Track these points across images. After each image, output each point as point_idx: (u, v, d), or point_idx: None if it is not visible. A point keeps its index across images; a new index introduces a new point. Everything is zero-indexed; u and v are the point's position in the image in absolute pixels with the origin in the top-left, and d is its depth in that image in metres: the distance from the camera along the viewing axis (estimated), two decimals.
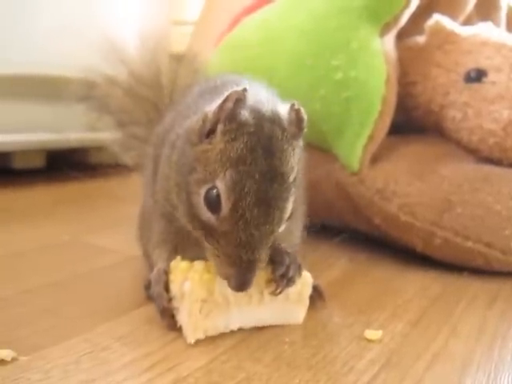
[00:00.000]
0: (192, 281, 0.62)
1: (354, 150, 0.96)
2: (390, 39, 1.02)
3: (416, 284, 0.88)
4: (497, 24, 1.22)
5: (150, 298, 0.74)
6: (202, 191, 0.59)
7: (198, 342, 0.63)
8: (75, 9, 1.52)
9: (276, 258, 0.66)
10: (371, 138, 0.95)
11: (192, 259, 0.66)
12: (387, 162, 0.98)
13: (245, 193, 0.56)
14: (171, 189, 0.65)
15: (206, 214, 0.59)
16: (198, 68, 1.07)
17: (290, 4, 1.09)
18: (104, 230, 1.07)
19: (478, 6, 1.24)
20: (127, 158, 1.05)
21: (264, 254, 0.59)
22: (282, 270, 0.65)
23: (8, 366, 0.55)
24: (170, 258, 0.68)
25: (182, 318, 0.64)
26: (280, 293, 0.65)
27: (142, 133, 1.02)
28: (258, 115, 0.60)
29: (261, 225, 0.57)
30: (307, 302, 0.70)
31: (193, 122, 0.65)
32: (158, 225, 0.72)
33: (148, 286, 0.75)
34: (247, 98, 0.59)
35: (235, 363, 0.59)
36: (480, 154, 1.00)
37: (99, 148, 1.55)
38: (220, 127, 0.59)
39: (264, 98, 0.64)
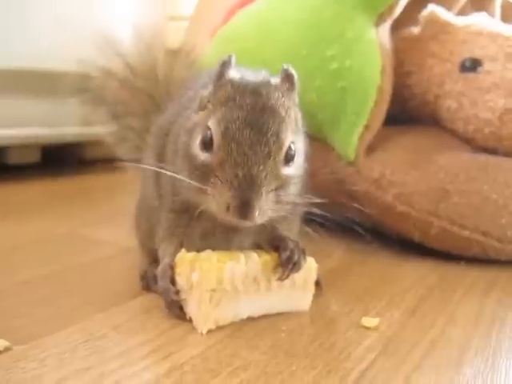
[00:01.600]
0: (200, 270, 0.62)
1: (349, 140, 0.95)
2: (384, 29, 1.02)
3: (413, 273, 0.87)
4: (491, 16, 1.21)
5: (145, 288, 0.74)
6: (198, 140, 0.60)
7: (193, 330, 0.63)
8: (71, 3, 1.51)
9: (280, 244, 0.67)
10: (367, 127, 0.95)
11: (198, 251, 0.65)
12: (383, 152, 0.98)
13: (233, 119, 0.58)
14: (178, 166, 0.64)
15: (201, 156, 0.60)
16: (194, 61, 1.07)
17: None
18: (99, 223, 1.07)
19: None
20: (122, 150, 1.05)
21: (265, 174, 0.57)
22: (286, 254, 0.65)
23: (2, 356, 0.55)
24: (176, 253, 0.67)
25: (192, 309, 0.64)
26: (287, 277, 0.65)
27: (138, 124, 1.01)
28: (246, 74, 0.63)
29: (254, 145, 0.57)
30: (313, 288, 0.70)
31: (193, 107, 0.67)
32: (166, 220, 0.70)
33: (144, 277, 0.76)
34: (234, 62, 0.63)
35: (232, 351, 0.59)
36: (476, 144, 1.00)
37: (94, 143, 1.55)
38: (211, 89, 0.63)
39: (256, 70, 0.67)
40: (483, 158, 0.96)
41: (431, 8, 1.07)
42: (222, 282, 0.62)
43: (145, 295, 0.73)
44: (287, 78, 0.65)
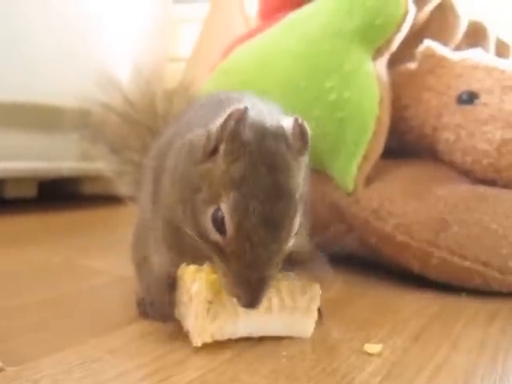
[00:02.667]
0: (200, 281, 0.61)
1: (348, 170, 0.95)
2: (382, 63, 1.03)
3: (414, 304, 0.86)
4: (486, 52, 1.24)
5: (142, 314, 0.73)
6: (209, 212, 0.58)
7: (192, 355, 0.61)
8: (72, 39, 1.53)
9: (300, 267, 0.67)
10: (365, 157, 0.95)
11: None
12: (382, 183, 0.98)
13: (248, 214, 0.56)
14: (175, 205, 0.64)
15: (214, 235, 0.58)
16: (192, 95, 1.08)
17: (283, 30, 1.11)
18: (96, 253, 1.06)
19: (467, 36, 1.26)
20: (121, 184, 1.05)
21: (273, 272, 0.58)
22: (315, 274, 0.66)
23: None
24: (171, 263, 0.66)
25: (189, 322, 0.63)
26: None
27: (137, 158, 1.02)
28: (261, 133, 0.59)
29: (268, 244, 0.57)
30: (315, 314, 0.68)
31: (195, 137, 0.64)
32: (161, 233, 0.69)
33: (141, 303, 0.74)
34: (249, 116, 0.59)
35: (232, 375, 0.57)
36: (474, 175, 1.01)
37: (92, 178, 1.55)
38: (222, 147, 0.59)
39: (266, 114, 0.63)
40: (482, 189, 0.96)
41: (427, 43, 1.08)
42: (220, 295, 0.61)
43: (141, 321, 0.71)
44: (301, 133, 0.61)
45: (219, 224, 0.57)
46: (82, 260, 1.00)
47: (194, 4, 2.20)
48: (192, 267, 0.64)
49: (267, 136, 0.59)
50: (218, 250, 0.59)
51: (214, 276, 0.61)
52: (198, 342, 0.61)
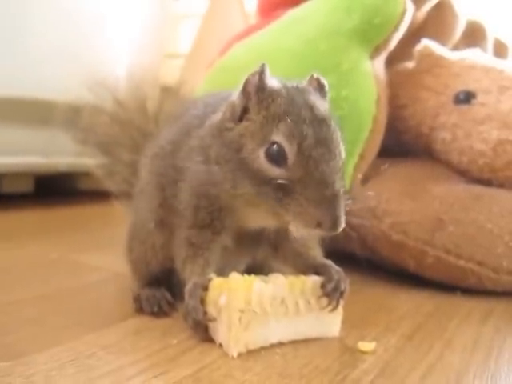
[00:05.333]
0: (228, 292, 0.61)
1: (345, 169, 0.95)
2: (380, 62, 1.03)
3: (408, 303, 0.86)
4: (484, 52, 1.24)
5: (138, 310, 0.73)
6: (261, 153, 0.60)
7: (186, 352, 0.61)
8: (70, 36, 1.53)
9: (323, 272, 0.68)
10: (362, 156, 0.95)
11: (225, 269, 0.65)
12: (378, 182, 0.98)
13: (304, 136, 0.58)
14: (223, 181, 0.64)
15: (274, 171, 0.59)
16: (184, 95, 1.08)
17: (281, 28, 1.11)
18: (91, 249, 1.06)
19: (465, 36, 1.27)
20: (111, 183, 1.04)
21: (341, 188, 0.60)
22: (332, 285, 0.66)
23: None
24: (204, 272, 0.66)
25: (221, 334, 0.62)
26: (336, 307, 0.67)
27: (128, 158, 1.02)
28: (283, 82, 0.64)
29: (328, 160, 0.59)
30: (341, 310, 0.69)
31: (216, 117, 0.67)
32: (187, 237, 0.69)
33: (137, 299, 0.74)
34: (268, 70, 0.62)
35: (225, 371, 0.57)
36: (470, 175, 1.01)
37: (88, 174, 1.54)
38: (253, 101, 0.62)
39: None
40: (478, 188, 0.96)
41: (425, 42, 1.09)
42: (251, 303, 0.61)
43: (136, 317, 0.71)
44: (320, 87, 0.67)
45: (277, 155, 0.59)
46: (78, 256, 1.00)
47: (192, 0, 2.20)
48: (217, 280, 0.64)
49: (291, 87, 0.64)
50: (278, 187, 0.59)
51: (242, 285, 0.61)
52: (233, 352, 0.61)
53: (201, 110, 0.75)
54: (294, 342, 0.66)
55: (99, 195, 1.11)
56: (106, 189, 1.05)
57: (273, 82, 0.62)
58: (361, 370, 0.60)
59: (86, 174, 1.57)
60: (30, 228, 1.27)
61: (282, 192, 0.58)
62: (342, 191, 0.59)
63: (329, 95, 0.67)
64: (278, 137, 0.59)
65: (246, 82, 0.62)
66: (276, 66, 1.04)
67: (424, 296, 0.90)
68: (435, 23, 1.17)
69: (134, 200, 0.85)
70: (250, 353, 0.62)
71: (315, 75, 0.66)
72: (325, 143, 0.59)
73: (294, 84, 0.65)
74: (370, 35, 0.98)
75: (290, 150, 0.58)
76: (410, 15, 1.00)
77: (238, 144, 0.62)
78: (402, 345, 0.68)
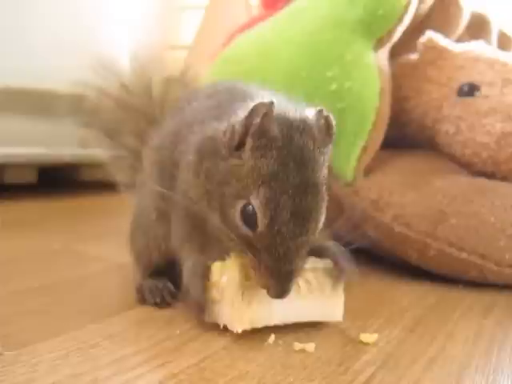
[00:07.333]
0: (229, 271, 0.62)
1: (348, 161, 0.95)
2: (383, 54, 1.03)
3: (411, 295, 0.86)
4: (488, 44, 1.23)
5: (141, 300, 0.73)
6: (238, 206, 0.59)
7: (189, 342, 0.61)
8: (72, 25, 1.52)
9: (325, 254, 0.69)
10: (365, 148, 0.95)
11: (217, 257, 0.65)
12: (381, 174, 0.98)
13: (280, 209, 0.57)
14: (200, 196, 0.65)
15: (244, 229, 0.59)
16: (190, 81, 1.07)
17: (285, 19, 1.11)
18: (94, 240, 1.06)
19: (469, 28, 1.26)
20: (115, 170, 1.04)
21: (300, 263, 0.60)
22: (340, 265, 0.68)
23: None
24: (203, 250, 0.67)
25: (225, 313, 0.63)
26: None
27: (132, 143, 1.01)
28: (287, 127, 0.60)
29: (297, 237, 0.58)
30: (343, 295, 0.69)
31: (216, 132, 0.65)
32: (183, 225, 0.70)
33: (139, 289, 0.75)
34: (274, 110, 0.59)
35: (227, 362, 0.57)
36: (473, 168, 1.01)
37: (91, 165, 1.55)
38: (249, 143, 0.60)
39: (290, 107, 0.63)
40: (481, 181, 0.96)
41: (429, 34, 1.08)
42: (250, 278, 0.61)
43: (139, 307, 0.72)
44: (326, 126, 0.62)
45: (250, 218, 0.59)
46: (81, 246, 1.00)
47: None
48: (217, 264, 0.64)
49: (293, 130, 0.60)
50: (247, 243, 0.60)
51: (242, 261, 0.62)
52: (237, 328, 0.61)
53: (202, 102, 0.75)
54: (296, 334, 0.66)
55: (102, 186, 1.11)
56: (108, 179, 1.05)
57: (274, 126, 0.59)
58: (363, 362, 0.60)
59: (89, 165, 1.58)
60: (33, 218, 1.27)
61: (247, 247, 0.60)
62: (300, 265, 0.60)
63: (334, 133, 0.63)
64: (254, 201, 0.58)
65: (252, 113, 0.59)
66: (279, 57, 1.05)
67: (426, 288, 0.90)
68: (439, 15, 1.17)
69: (137, 190, 0.86)
70: (253, 344, 0.62)
71: (324, 112, 0.62)
72: (301, 217, 0.58)
73: (299, 120, 0.61)
74: (373, 27, 0.98)
75: (262, 221, 0.58)
76: (413, 7, 0.99)
77: (224, 180, 0.61)
78: (403, 337, 0.68)
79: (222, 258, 0.65)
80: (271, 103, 0.58)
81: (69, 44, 1.49)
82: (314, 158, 0.60)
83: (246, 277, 0.62)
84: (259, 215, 0.58)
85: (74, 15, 1.55)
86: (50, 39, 1.47)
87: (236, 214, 0.60)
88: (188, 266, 0.66)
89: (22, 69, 1.40)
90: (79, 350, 0.57)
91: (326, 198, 0.61)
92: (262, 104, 0.58)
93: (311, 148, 0.60)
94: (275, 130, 0.59)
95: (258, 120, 0.58)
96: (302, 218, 0.58)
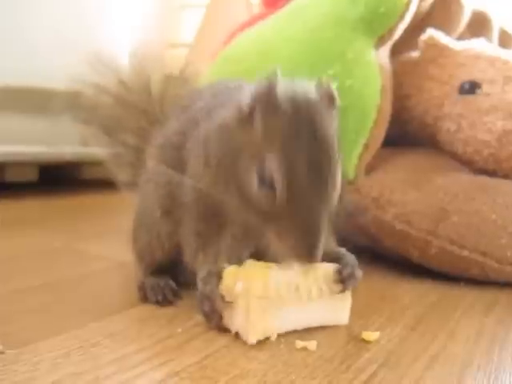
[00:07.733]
0: (246, 279, 0.61)
1: (349, 159, 0.95)
2: (384, 52, 1.03)
3: (412, 293, 0.86)
4: (489, 42, 1.23)
5: (143, 299, 0.73)
6: (254, 174, 0.60)
7: (191, 340, 0.61)
8: (70, 24, 1.52)
9: (339, 259, 0.68)
10: (367, 146, 0.95)
11: (236, 259, 0.65)
12: (382, 172, 0.98)
13: (295, 167, 0.57)
14: (212, 184, 0.65)
15: (261, 193, 0.59)
16: (189, 78, 1.07)
17: (285, 17, 1.10)
18: (95, 238, 1.06)
19: (470, 26, 1.26)
20: (115, 168, 1.04)
21: (325, 220, 0.59)
22: (348, 271, 0.67)
23: None
24: (217, 260, 0.66)
25: (238, 321, 0.62)
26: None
27: (132, 140, 1.01)
28: (292, 95, 0.61)
29: (317, 195, 0.58)
30: (350, 297, 0.69)
31: (225, 115, 0.66)
32: (195, 229, 0.69)
33: (141, 288, 0.75)
34: (279, 80, 0.61)
35: (229, 360, 0.57)
36: (475, 166, 1.01)
37: (92, 163, 1.55)
38: (259, 110, 0.60)
39: (293, 82, 0.65)
40: (482, 179, 0.96)
41: (431, 32, 1.08)
42: (268, 289, 0.61)
43: (140, 306, 0.72)
44: (328, 98, 0.64)
45: (267, 182, 0.58)
46: (82, 245, 1.00)
47: None
48: (231, 269, 0.64)
49: (299, 98, 0.61)
50: (267, 216, 0.59)
51: (257, 272, 0.62)
52: (252, 340, 0.61)
53: (208, 100, 0.75)
54: (298, 332, 0.66)
55: (103, 184, 1.11)
56: (109, 178, 1.04)
57: (281, 94, 0.60)
58: (364, 360, 0.60)
59: (90, 163, 1.58)
60: (34, 217, 1.27)
61: (266, 216, 0.59)
62: (325, 221, 0.59)
63: (337, 104, 0.66)
64: (269, 163, 0.58)
65: (258, 86, 0.61)
66: (280, 55, 1.05)
67: (427, 286, 0.90)
68: (440, 13, 1.16)
69: (140, 189, 0.85)
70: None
71: (325, 83, 0.64)
72: (318, 175, 0.58)
73: (303, 94, 0.62)
74: (374, 25, 0.98)
75: (278, 178, 0.58)
76: (414, 4, 0.99)
77: (237, 154, 0.62)
78: (405, 335, 0.68)
79: (237, 264, 0.64)
80: (275, 74, 0.60)
81: (69, 42, 1.49)
82: (323, 116, 0.61)
83: (263, 287, 0.61)
84: (275, 176, 0.58)
85: (74, 14, 1.55)
86: (50, 37, 1.47)
87: (253, 181, 0.60)
88: (203, 275, 0.65)
89: (21, 67, 1.39)
90: (80, 349, 0.57)
91: (338, 156, 0.61)
92: (266, 77, 0.60)
93: (319, 109, 0.62)
94: (282, 97, 0.60)
95: (265, 89, 0.60)
96: (319, 173, 0.58)
